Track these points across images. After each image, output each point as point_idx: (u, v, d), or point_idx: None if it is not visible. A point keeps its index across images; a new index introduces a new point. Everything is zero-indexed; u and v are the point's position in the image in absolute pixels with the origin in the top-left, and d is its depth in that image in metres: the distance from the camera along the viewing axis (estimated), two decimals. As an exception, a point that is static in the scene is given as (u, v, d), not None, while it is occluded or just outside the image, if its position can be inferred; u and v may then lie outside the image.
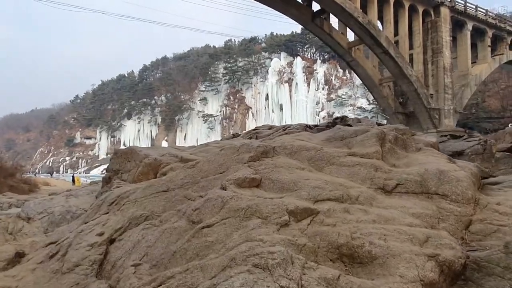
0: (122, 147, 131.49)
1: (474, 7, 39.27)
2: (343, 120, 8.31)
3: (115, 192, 5.00)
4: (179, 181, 4.35)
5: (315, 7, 33.48)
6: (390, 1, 33.59)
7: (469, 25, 39.35)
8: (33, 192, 22.86)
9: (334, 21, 34.93)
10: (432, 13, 36.25)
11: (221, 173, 4.13)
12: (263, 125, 11.07)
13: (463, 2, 38.15)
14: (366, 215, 2.98)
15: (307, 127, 8.13)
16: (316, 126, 8.87)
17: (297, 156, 4.17)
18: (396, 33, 34.80)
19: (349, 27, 32.90)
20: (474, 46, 41.40)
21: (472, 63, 40.41)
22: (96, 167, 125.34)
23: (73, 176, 46.55)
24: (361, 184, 3.65)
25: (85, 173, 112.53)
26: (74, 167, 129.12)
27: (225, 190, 3.56)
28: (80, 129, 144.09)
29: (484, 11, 40.42)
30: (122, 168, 6.80)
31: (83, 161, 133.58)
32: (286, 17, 34.07)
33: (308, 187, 3.41)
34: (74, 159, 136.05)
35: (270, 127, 9.97)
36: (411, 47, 35.74)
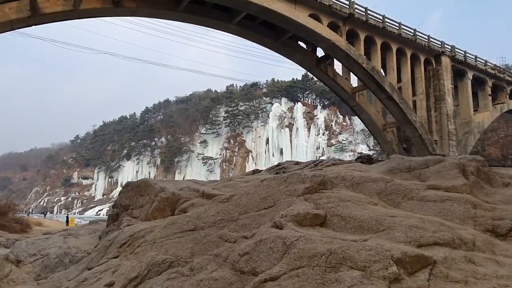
0: (119, 188, 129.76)
1: (473, 57, 40.20)
2: (369, 159, 7.65)
3: (127, 231, 4.16)
4: (210, 218, 3.53)
5: (320, 52, 34.16)
6: (392, 49, 34.31)
7: (470, 74, 40.05)
8: (24, 232, 21.66)
9: (337, 66, 35.51)
10: (433, 61, 36.98)
11: (266, 209, 3.30)
12: (286, 161, 10.24)
13: (463, 52, 39.08)
14: (502, 268, 2.18)
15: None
16: (349, 162, 8.17)
17: (361, 189, 3.41)
18: (399, 80, 35.24)
19: (353, 73, 33.31)
20: (475, 94, 41.90)
21: (474, 111, 40.65)
22: (91, 208, 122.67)
23: (67, 217, 45.08)
24: (459, 224, 2.88)
25: (79, 214, 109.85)
26: (69, 208, 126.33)
27: (281, 229, 2.77)
28: (78, 169, 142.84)
29: (483, 61, 41.33)
30: (133, 203, 5.90)
31: (78, 202, 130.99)
32: (286, 63, 34.62)
33: (402, 226, 2.61)
34: (70, 199, 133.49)
35: (297, 163, 9.21)
36: (414, 93, 36.01)
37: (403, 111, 33.12)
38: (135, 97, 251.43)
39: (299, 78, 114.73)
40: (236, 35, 31.12)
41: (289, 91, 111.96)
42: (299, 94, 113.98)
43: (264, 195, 3.46)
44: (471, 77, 40.10)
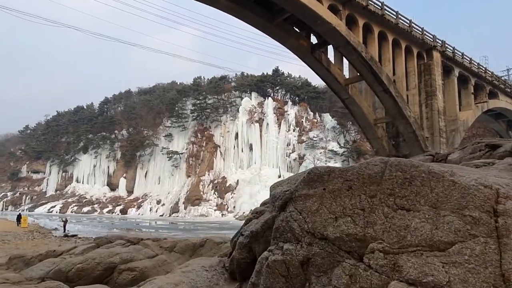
0: (74, 183, 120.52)
1: (460, 54, 39.60)
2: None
3: None
4: None
5: (314, 39, 31.68)
6: (389, 40, 32.58)
7: (456, 71, 39.41)
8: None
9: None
10: (425, 56, 35.77)
11: None
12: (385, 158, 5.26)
13: (452, 48, 38.31)
14: None
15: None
16: None
17: None
18: (393, 73, 33.62)
19: (350, 62, 31.14)
20: (458, 92, 41.45)
21: (457, 109, 40.11)
22: (42, 204, 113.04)
23: (18, 215, 39.24)
24: None
25: (29, 211, 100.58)
26: (16, 204, 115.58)
27: None
28: (27, 162, 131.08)
29: (468, 59, 40.92)
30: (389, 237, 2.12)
31: (27, 198, 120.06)
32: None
33: None
34: (17, 194, 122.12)
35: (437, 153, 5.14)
36: (407, 88, 34.60)
37: (398, 105, 31.47)
38: (92, 87, 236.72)
39: (270, 73, 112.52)
40: (226, 12, 27.74)
41: (259, 85, 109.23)
42: (269, 89, 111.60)
43: None
44: (458, 74, 39.52)
